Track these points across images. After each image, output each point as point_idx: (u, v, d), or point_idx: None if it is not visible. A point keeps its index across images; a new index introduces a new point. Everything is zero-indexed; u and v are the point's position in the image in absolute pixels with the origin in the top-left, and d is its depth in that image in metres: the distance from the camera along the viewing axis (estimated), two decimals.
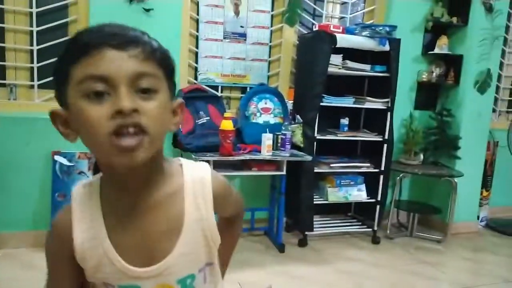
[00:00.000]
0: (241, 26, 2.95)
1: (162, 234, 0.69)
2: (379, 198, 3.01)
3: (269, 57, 3.07)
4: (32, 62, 2.53)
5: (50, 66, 2.55)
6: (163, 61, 0.64)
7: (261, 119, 2.83)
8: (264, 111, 2.84)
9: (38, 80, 2.55)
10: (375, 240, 3.03)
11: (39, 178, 2.52)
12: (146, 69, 0.60)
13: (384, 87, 2.94)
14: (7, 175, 2.46)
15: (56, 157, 2.48)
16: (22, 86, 2.57)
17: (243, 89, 3.02)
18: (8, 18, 2.48)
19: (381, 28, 2.78)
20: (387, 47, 2.81)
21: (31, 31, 2.50)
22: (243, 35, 2.96)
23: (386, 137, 2.95)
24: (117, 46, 0.58)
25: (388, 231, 3.15)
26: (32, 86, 2.56)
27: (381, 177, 2.99)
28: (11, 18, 2.49)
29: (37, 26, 2.50)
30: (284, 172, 2.69)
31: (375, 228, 3.04)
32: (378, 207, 3.01)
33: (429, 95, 3.39)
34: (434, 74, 3.27)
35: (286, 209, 2.80)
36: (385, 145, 2.96)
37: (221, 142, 2.45)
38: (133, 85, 0.59)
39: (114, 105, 0.58)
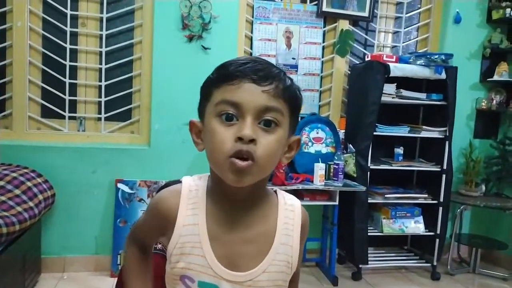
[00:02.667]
0: (293, 58, 3.02)
1: (251, 245, 0.74)
2: (438, 231, 2.87)
3: (320, 87, 3.10)
4: (100, 96, 2.74)
5: (116, 100, 2.75)
6: (291, 100, 0.71)
7: (313, 149, 2.84)
8: (316, 141, 2.85)
9: (105, 113, 2.74)
10: (435, 276, 2.87)
11: (103, 205, 2.67)
12: (274, 104, 0.68)
13: (441, 115, 2.86)
14: (74, 202, 2.62)
15: (119, 185, 2.62)
16: (90, 119, 2.78)
17: None
18: (81, 58, 2.72)
19: (436, 56, 2.74)
20: (443, 75, 2.75)
21: (100, 69, 2.72)
22: (294, 67, 3.03)
23: (445, 167, 2.84)
24: (255, 81, 0.67)
25: (448, 267, 2.97)
26: (99, 119, 2.76)
27: (440, 209, 2.86)
28: (83, 57, 2.73)
29: (106, 63, 2.72)
30: (336, 202, 2.66)
31: (435, 263, 2.88)
32: (437, 240, 2.86)
33: (489, 123, 3.24)
34: (494, 101, 3.14)
35: (338, 240, 2.74)
36: (444, 176, 2.84)
37: (274, 172, 2.48)
38: (259, 116, 0.67)
39: (238, 131, 0.66)
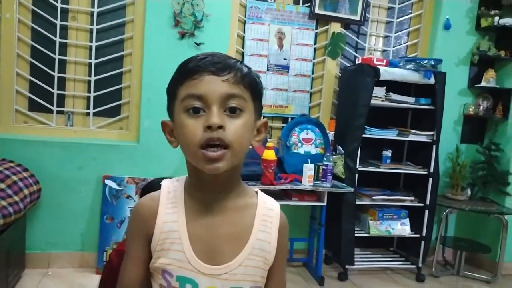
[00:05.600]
0: (284, 59, 3.03)
1: (229, 239, 0.76)
2: (424, 234, 2.90)
3: (311, 88, 3.12)
4: (89, 91, 2.71)
5: (105, 95, 2.73)
6: (251, 85, 0.75)
7: (302, 150, 2.85)
8: (306, 142, 2.87)
9: (94, 108, 2.72)
10: (420, 278, 2.90)
11: (89, 201, 2.64)
12: (235, 91, 0.72)
13: (429, 120, 2.90)
14: (60, 197, 2.59)
15: (107, 181, 2.60)
16: (78, 114, 2.75)
17: (284, 119, 3.07)
18: (70, 52, 2.69)
19: (426, 61, 2.78)
20: (432, 80, 2.79)
21: (90, 63, 2.70)
22: (286, 67, 3.04)
23: (432, 170, 2.88)
24: (214, 72, 0.71)
25: (433, 269, 3.01)
26: (88, 114, 2.73)
27: (426, 211, 2.89)
28: (73, 51, 2.70)
29: (96, 58, 2.69)
30: (324, 203, 2.67)
31: (420, 265, 2.92)
32: (423, 243, 2.90)
33: (476, 128, 3.30)
34: (481, 107, 3.20)
35: (325, 240, 2.76)
36: (430, 179, 2.88)
37: (263, 171, 2.49)
38: (224, 105, 0.71)
39: (206, 120, 0.70)
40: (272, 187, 2.46)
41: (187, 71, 0.72)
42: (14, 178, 2.26)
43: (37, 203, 2.51)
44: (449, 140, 3.18)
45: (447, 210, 3.01)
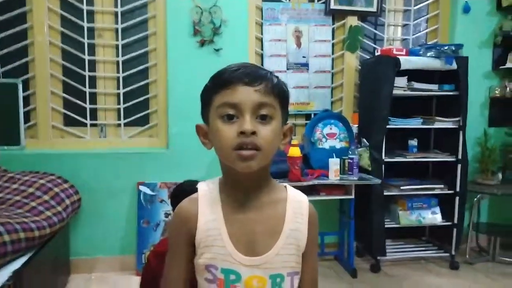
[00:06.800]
0: (303, 57, 3.07)
1: (264, 232, 0.84)
2: (455, 221, 2.88)
3: (332, 83, 3.14)
4: (119, 103, 2.85)
5: (134, 106, 2.86)
6: (280, 95, 0.82)
7: (327, 144, 2.88)
8: (330, 137, 2.90)
9: (124, 119, 2.85)
10: (454, 266, 2.88)
11: (126, 207, 2.78)
12: (266, 100, 0.79)
13: (454, 105, 2.87)
14: (98, 205, 2.74)
15: (141, 187, 2.73)
16: (110, 125, 2.89)
17: (307, 116, 3.11)
18: (99, 68, 2.84)
19: (446, 47, 2.75)
20: (454, 66, 2.76)
21: (118, 77, 2.83)
22: (305, 65, 3.08)
23: (460, 156, 2.85)
24: (248, 83, 0.79)
25: (467, 256, 2.98)
26: (119, 125, 2.87)
27: (457, 198, 2.87)
28: (101, 67, 2.84)
29: (123, 72, 2.82)
30: (352, 196, 2.70)
31: (453, 252, 2.90)
32: (455, 230, 2.88)
33: (503, 111, 3.23)
34: (507, 89, 3.13)
35: (356, 233, 2.79)
36: (459, 165, 2.85)
37: (290, 168, 2.54)
38: (255, 112, 0.79)
39: (239, 126, 0.77)
40: (299, 183, 2.50)
41: (222, 81, 0.79)
42: (56, 189, 2.42)
43: (78, 212, 2.66)
44: (477, 124, 3.14)
45: (478, 196, 2.97)
